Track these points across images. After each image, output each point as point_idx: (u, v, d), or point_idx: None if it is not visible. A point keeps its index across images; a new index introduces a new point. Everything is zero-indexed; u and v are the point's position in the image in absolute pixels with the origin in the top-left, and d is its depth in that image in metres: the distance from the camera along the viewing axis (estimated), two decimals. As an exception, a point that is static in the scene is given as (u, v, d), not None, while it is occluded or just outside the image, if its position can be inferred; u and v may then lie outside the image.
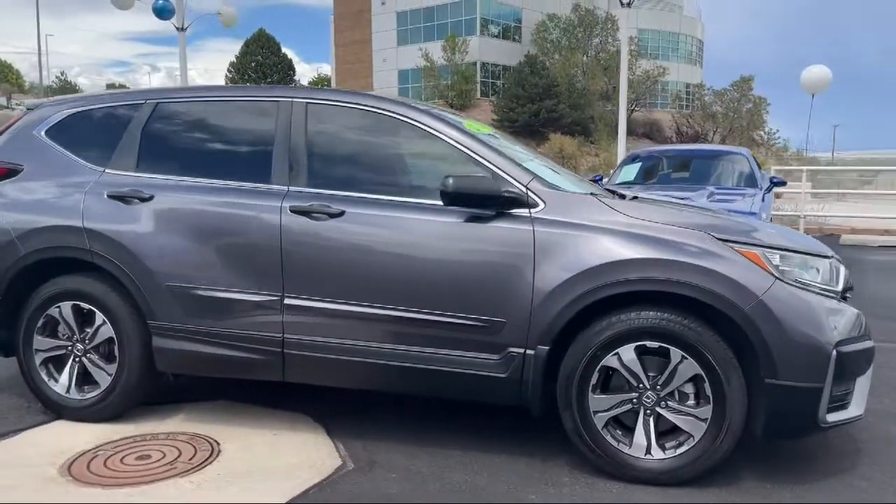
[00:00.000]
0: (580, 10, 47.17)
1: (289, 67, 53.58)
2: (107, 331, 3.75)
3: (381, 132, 3.66)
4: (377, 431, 3.73)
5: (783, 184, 8.73)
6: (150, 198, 3.66)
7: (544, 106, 39.29)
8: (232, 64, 52.97)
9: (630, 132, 47.34)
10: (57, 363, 3.90)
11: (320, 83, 62.28)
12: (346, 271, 3.41)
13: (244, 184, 3.63)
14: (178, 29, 15.69)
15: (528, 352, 3.23)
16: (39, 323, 3.84)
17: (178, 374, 3.89)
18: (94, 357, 3.80)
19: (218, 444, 3.57)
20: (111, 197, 3.72)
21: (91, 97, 4.10)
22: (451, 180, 3.22)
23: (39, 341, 3.86)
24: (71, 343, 3.83)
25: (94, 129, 4.01)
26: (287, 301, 3.47)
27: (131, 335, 3.70)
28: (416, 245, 3.36)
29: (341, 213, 3.42)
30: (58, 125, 3.99)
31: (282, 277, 3.47)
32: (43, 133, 3.99)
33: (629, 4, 14.23)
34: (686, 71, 55.24)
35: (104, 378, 3.78)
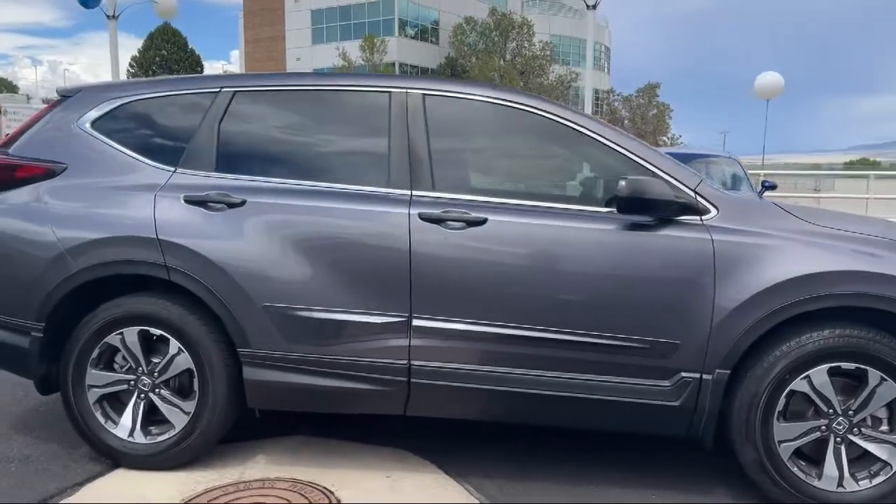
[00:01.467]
0: (496, 14, 47.47)
1: (197, 63, 51.36)
2: (184, 361, 3.14)
3: (518, 129, 3.23)
4: (497, 467, 3.30)
5: (774, 187, 8.78)
6: (242, 203, 3.09)
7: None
8: (134, 59, 50.30)
9: (546, 136, 48.28)
10: (116, 401, 3.26)
11: (226, 81, 59.91)
12: (487, 288, 2.96)
13: (356, 187, 3.11)
14: (108, 17, 14.50)
15: (706, 377, 2.88)
16: (95, 353, 3.19)
17: (267, 410, 3.31)
18: (166, 393, 3.19)
19: (331, 491, 3.04)
20: (190, 202, 3.12)
21: (147, 83, 3.45)
22: (625, 182, 2.84)
23: (94, 376, 3.20)
24: (135, 377, 3.19)
25: (155, 122, 3.38)
26: (416, 323, 2.99)
27: (216, 366, 3.11)
28: (571, 257, 2.95)
29: (482, 222, 2.97)
30: (106, 117, 3.34)
31: (409, 295, 2.98)
32: (87, 125, 3.33)
33: (594, 7, 14.17)
34: (595, 77, 56.58)
35: (179, 417, 3.17)
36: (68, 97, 3.43)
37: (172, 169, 3.21)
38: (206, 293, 3.07)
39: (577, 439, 3.56)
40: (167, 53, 50.13)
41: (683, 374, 2.89)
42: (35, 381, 3.27)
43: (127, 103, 3.35)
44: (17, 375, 3.38)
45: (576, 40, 55.45)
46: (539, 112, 3.11)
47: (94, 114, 3.34)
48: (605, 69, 59.59)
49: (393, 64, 45.42)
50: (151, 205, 3.13)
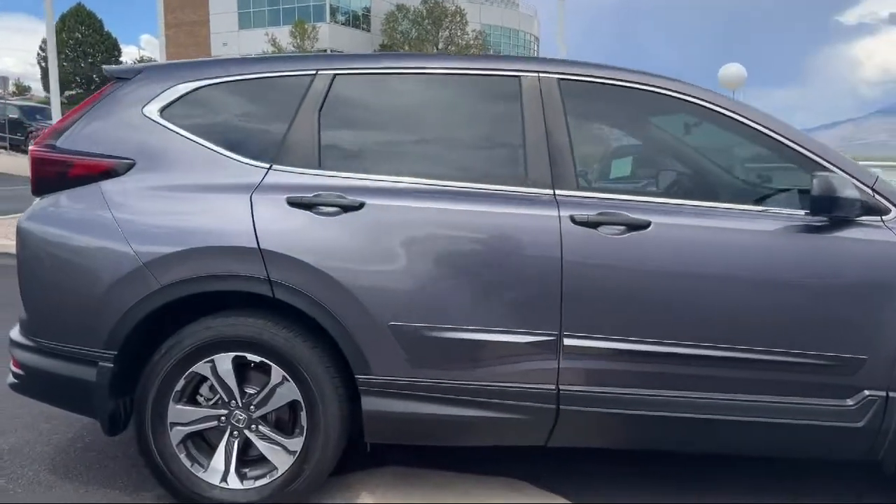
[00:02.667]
0: (429, 1, 46.94)
1: (114, 48, 48.97)
2: (288, 392, 2.67)
3: (673, 121, 2.88)
4: (633, 496, 2.97)
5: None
6: (360, 206, 2.63)
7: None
8: (45, 41, 47.49)
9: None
10: (201, 441, 2.76)
11: (143, 66, 57.25)
12: (651, 301, 2.61)
13: (488, 187, 2.70)
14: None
15: (892, 394, 2.62)
16: (179, 386, 2.68)
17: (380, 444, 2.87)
18: (265, 429, 2.71)
19: (469, 537, 2.64)
20: (295, 205, 2.64)
21: (224, 64, 2.92)
22: (817, 180, 2.54)
23: (178, 411, 2.69)
24: (227, 411, 2.70)
25: (239, 109, 2.88)
26: (567, 342, 2.62)
27: (328, 396, 2.66)
28: (748, 264, 2.62)
29: (645, 225, 2.61)
30: (179, 103, 2.81)
31: (560, 310, 2.60)
32: (156, 113, 2.79)
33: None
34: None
35: (282, 458, 2.70)
36: (126, 79, 2.87)
37: (267, 165, 2.72)
38: (320, 312, 2.60)
39: (688, 461, 3.26)
40: (81, 36, 47.61)
41: (868, 392, 2.62)
42: (102, 420, 2.73)
43: (202, 87, 2.83)
44: (78, 414, 2.84)
45: (507, 30, 55.58)
46: (698, 101, 2.75)
47: (162, 99, 2.81)
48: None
49: (325, 51, 44.30)
50: (248, 208, 2.64)
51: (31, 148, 2.82)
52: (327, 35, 44.83)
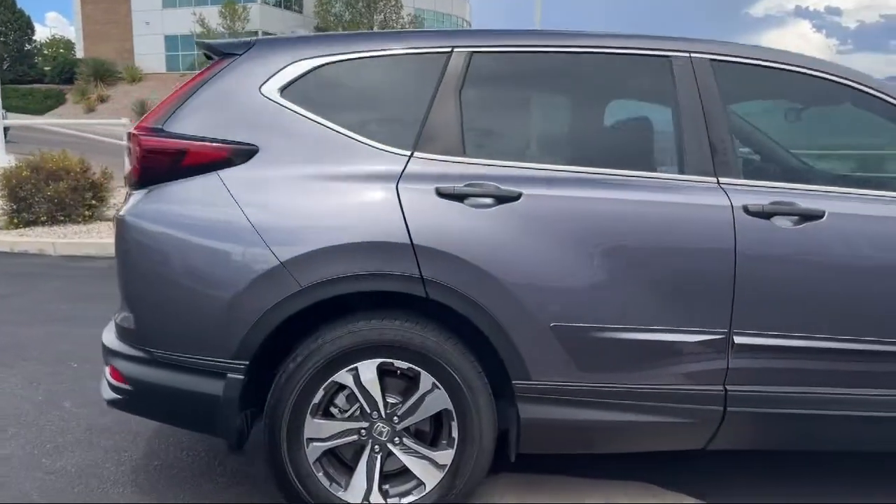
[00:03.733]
0: (363, -17, 46.09)
1: (27, 25, 46.25)
2: (438, 400, 2.44)
3: (836, 107, 2.75)
4: (763, 495, 2.87)
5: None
6: (517, 197, 2.41)
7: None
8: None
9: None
10: (334, 458, 2.50)
11: (56, 46, 54.40)
12: (828, 296, 2.49)
13: (648, 174, 2.53)
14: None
15: None
16: (317, 397, 2.41)
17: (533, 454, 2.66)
18: (410, 442, 2.47)
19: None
20: (445, 196, 2.40)
21: (346, 38, 2.62)
22: None
23: (316, 426, 2.43)
24: (369, 424, 2.45)
25: (369, 90, 2.60)
26: (737, 340, 2.48)
27: (483, 404, 2.44)
28: None
29: (820, 215, 2.48)
30: (300, 82, 2.52)
31: (731, 307, 2.46)
32: (276, 93, 2.50)
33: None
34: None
35: (431, 473, 2.48)
36: (234, 55, 2.56)
37: (408, 153, 2.46)
38: (477, 312, 2.38)
39: (823, 459, 3.19)
40: (-9, 13, 44.84)
41: None
42: (229, 436, 2.45)
43: (325, 64, 2.54)
44: (195, 431, 2.54)
45: (439, 14, 55.22)
46: (863, 89, 2.63)
47: (282, 78, 2.51)
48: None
49: (256, 32, 42.98)
50: (396, 200, 2.38)
51: (134, 132, 2.48)
52: (258, 16, 43.51)
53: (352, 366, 2.40)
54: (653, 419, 2.50)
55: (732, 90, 2.64)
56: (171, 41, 45.79)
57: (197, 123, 2.46)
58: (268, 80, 2.50)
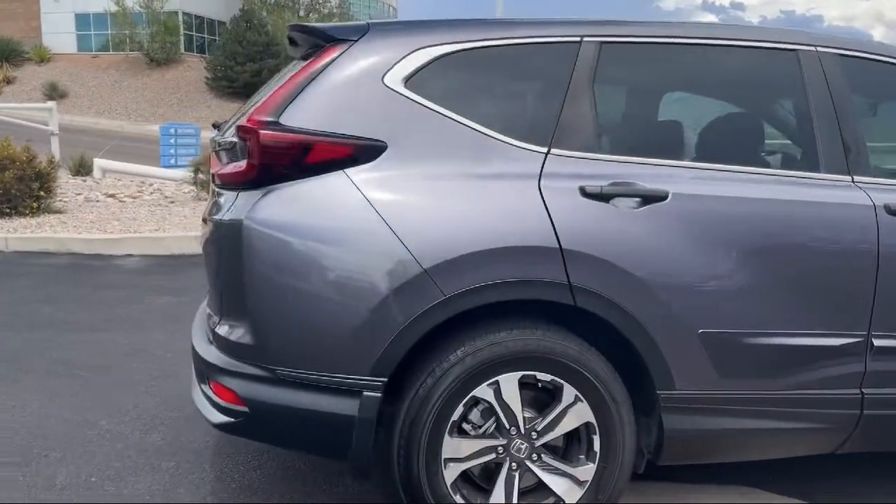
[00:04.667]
0: (287, -35, 44.84)
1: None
2: (580, 413, 2.30)
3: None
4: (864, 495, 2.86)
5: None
6: (664, 196, 2.29)
7: (266, 65, 36.65)
8: None
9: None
10: (471, 477, 2.33)
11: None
12: None
13: (787, 172, 2.47)
14: None
15: None
16: (456, 414, 2.23)
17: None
18: (549, 459, 2.33)
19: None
20: (590, 196, 2.26)
21: (467, 25, 2.41)
22: None
23: (454, 445, 2.25)
24: (507, 441, 2.29)
25: (499, 82, 2.42)
26: (876, 342, 2.43)
27: (626, 417, 2.32)
28: None
29: None
30: (424, 72, 2.31)
31: (871, 309, 2.41)
32: (400, 84, 2.28)
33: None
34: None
35: (572, 490, 2.33)
36: (349, 41, 2.32)
37: (544, 149, 2.30)
38: (625, 320, 2.25)
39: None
40: None
41: None
42: (361, 461, 2.23)
43: (451, 53, 2.34)
44: (322, 457, 2.31)
45: (365, -1, 54.37)
46: None
47: (405, 67, 2.29)
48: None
49: (176, 13, 41.28)
50: (540, 200, 2.22)
51: (249, 125, 2.21)
52: (178, -4, 41.71)
53: (493, 379, 2.23)
54: (789, 425, 2.44)
55: (862, 86, 2.59)
56: (82, 20, 43.30)
57: (314, 117, 2.23)
58: (390, 69, 2.28)
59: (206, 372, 2.36)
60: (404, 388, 2.23)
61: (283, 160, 2.18)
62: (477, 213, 2.20)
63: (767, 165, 2.45)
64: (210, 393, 2.33)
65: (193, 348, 2.49)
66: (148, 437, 3.14)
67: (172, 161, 15.57)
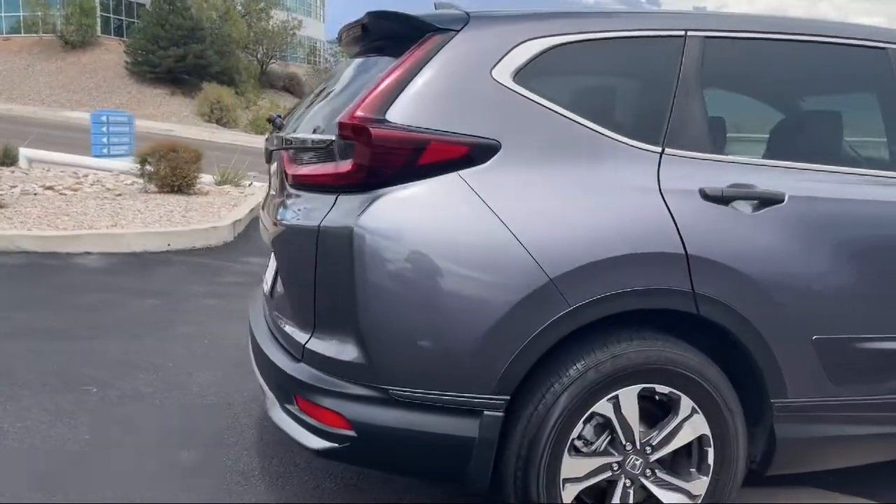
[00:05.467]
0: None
1: None
2: (696, 426, 2.21)
3: None
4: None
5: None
6: (781, 199, 2.21)
7: (191, 50, 35.42)
8: None
9: (270, 85, 45.81)
10: (584, 498, 2.20)
11: None
12: None
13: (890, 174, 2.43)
14: None
15: None
16: (575, 431, 2.10)
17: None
18: (663, 474, 2.22)
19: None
20: (710, 199, 2.16)
21: (578, 16, 2.26)
22: None
23: (572, 464, 2.12)
24: (623, 457, 2.17)
25: (607, 77, 2.30)
26: None
27: (739, 427, 2.24)
28: None
29: None
30: (532, 66, 2.15)
31: None
32: (509, 79, 2.12)
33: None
34: (313, 26, 54.95)
35: (683, 504, 2.24)
36: (450, 31, 2.14)
37: (658, 149, 2.18)
38: (743, 327, 2.17)
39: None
40: None
41: None
42: (481, 486, 2.07)
43: (558, 46, 2.19)
44: (435, 481, 2.13)
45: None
46: None
47: (512, 60, 2.13)
48: (321, 18, 58.11)
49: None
50: (662, 204, 2.10)
51: (356, 122, 2.01)
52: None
53: (613, 394, 2.11)
54: (893, 430, 2.41)
55: None
56: (-12, 0, 40.76)
57: (421, 114, 2.04)
58: (498, 62, 2.12)
59: (292, 390, 2.15)
60: (518, 406, 2.08)
61: (396, 161, 1.99)
62: (599, 218, 2.06)
63: (881, 167, 2.39)
64: (302, 415, 2.12)
65: (270, 363, 2.28)
66: (181, 456, 2.88)
67: (105, 151, 14.80)
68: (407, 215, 1.99)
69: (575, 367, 2.06)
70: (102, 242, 6.90)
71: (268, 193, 2.97)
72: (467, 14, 2.18)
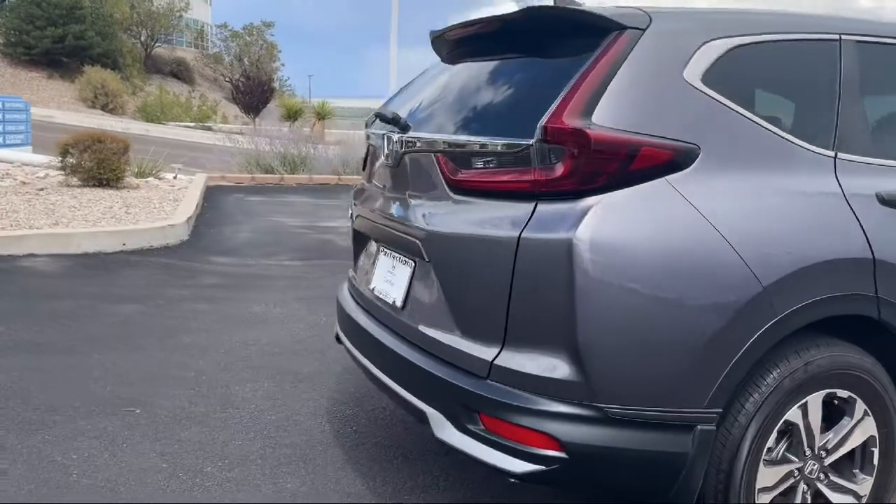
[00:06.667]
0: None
1: None
2: (866, 428, 2.23)
3: None
4: None
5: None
6: None
7: (70, 31, 33.08)
8: None
9: (157, 70, 43.55)
10: (773, 506, 2.19)
11: None
12: None
13: None
14: None
15: None
16: (771, 440, 2.08)
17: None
18: (834, 477, 2.24)
19: None
20: (887, 203, 2.18)
21: (752, 17, 2.22)
22: None
23: (765, 474, 2.09)
24: (802, 463, 2.17)
25: (779, 80, 2.26)
26: None
27: (898, 426, 2.29)
28: None
29: None
30: (717, 68, 2.08)
31: None
32: (699, 80, 2.06)
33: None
34: (200, 8, 52.68)
35: (851, 508, 2.27)
36: (635, 29, 2.05)
37: (831, 153, 2.19)
38: None
39: None
40: None
41: None
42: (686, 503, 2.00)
43: (736, 47, 2.14)
44: (642, 500, 2.03)
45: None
46: None
47: (699, 62, 2.07)
48: (208, 1, 55.72)
49: None
50: (847, 209, 2.11)
51: (569, 125, 1.87)
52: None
53: (803, 401, 2.10)
54: None
55: None
56: None
57: (622, 116, 1.95)
58: (687, 63, 2.05)
59: (475, 409, 2.01)
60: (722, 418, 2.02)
61: (610, 166, 1.89)
62: (800, 224, 2.04)
63: None
64: (493, 436, 1.98)
65: (432, 380, 2.13)
66: (280, 484, 2.66)
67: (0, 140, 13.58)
68: (625, 224, 1.88)
69: (772, 376, 2.03)
70: (50, 243, 6.31)
71: (368, 190, 2.79)
72: (648, 13, 2.09)
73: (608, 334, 1.87)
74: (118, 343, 4.12)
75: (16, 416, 3.10)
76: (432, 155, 2.27)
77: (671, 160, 1.94)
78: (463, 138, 2.18)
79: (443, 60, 2.82)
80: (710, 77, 2.06)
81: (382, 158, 2.57)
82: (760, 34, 2.17)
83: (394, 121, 2.50)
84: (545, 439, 1.90)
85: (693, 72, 2.04)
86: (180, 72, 43.51)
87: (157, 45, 44.05)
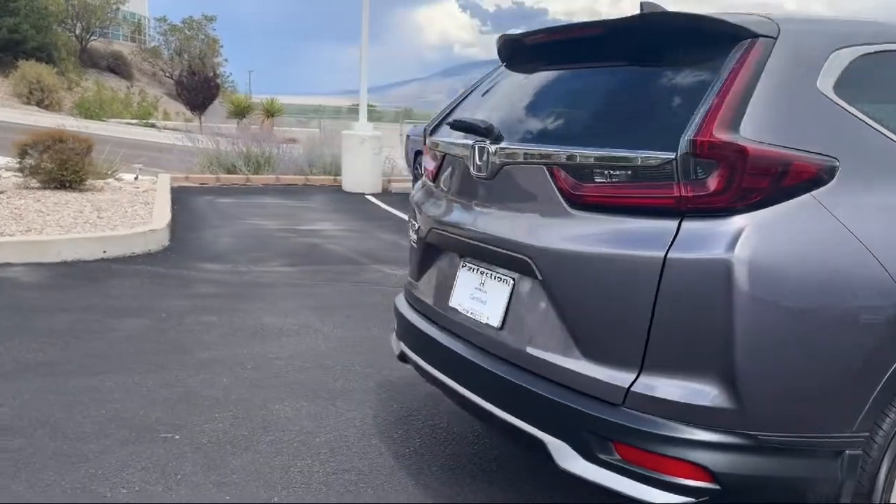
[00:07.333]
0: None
1: None
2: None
3: None
4: None
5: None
6: None
7: (4, 24, 31.63)
8: None
9: (93, 64, 42.04)
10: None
11: None
12: None
13: None
14: None
15: None
16: (903, 459, 2.03)
17: None
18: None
19: None
20: None
21: (871, 25, 2.18)
22: None
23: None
24: (922, 470, 2.14)
25: (887, 88, 2.21)
26: None
27: None
28: None
29: None
30: (845, 77, 2.02)
31: None
32: (832, 91, 1.99)
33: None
34: (137, 1, 51.07)
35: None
36: (770, 37, 1.97)
37: (932, 166, 2.15)
38: None
39: None
40: None
41: None
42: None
43: (861, 56, 2.08)
44: None
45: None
46: None
47: (830, 72, 2.00)
48: (145, -7, 54.02)
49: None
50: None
51: (723, 140, 1.78)
52: None
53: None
54: None
55: None
56: None
57: (765, 129, 1.87)
58: (819, 73, 1.98)
59: (609, 437, 1.91)
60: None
61: (763, 183, 1.81)
62: None
63: None
64: (631, 466, 1.87)
65: (556, 406, 2.01)
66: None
67: (-61, 139, 12.80)
68: (779, 243, 1.80)
69: (902, 393, 1.98)
70: (26, 251, 5.94)
71: (441, 201, 2.66)
72: (774, 21, 2.02)
73: (764, 358, 1.79)
74: (133, 362, 3.87)
75: (47, 449, 2.86)
76: (544, 168, 2.15)
77: (817, 175, 1.87)
78: (588, 151, 2.06)
79: (519, 66, 2.70)
80: (840, 87, 2.00)
81: (473, 170, 2.43)
82: (884, 43, 2.12)
83: (481, 130, 2.37)
84: (693, 469, 1.81)
85: (826, 82, 1.98)
86: (118, 66, 42.07)
87: (92, 38, 42.54)
